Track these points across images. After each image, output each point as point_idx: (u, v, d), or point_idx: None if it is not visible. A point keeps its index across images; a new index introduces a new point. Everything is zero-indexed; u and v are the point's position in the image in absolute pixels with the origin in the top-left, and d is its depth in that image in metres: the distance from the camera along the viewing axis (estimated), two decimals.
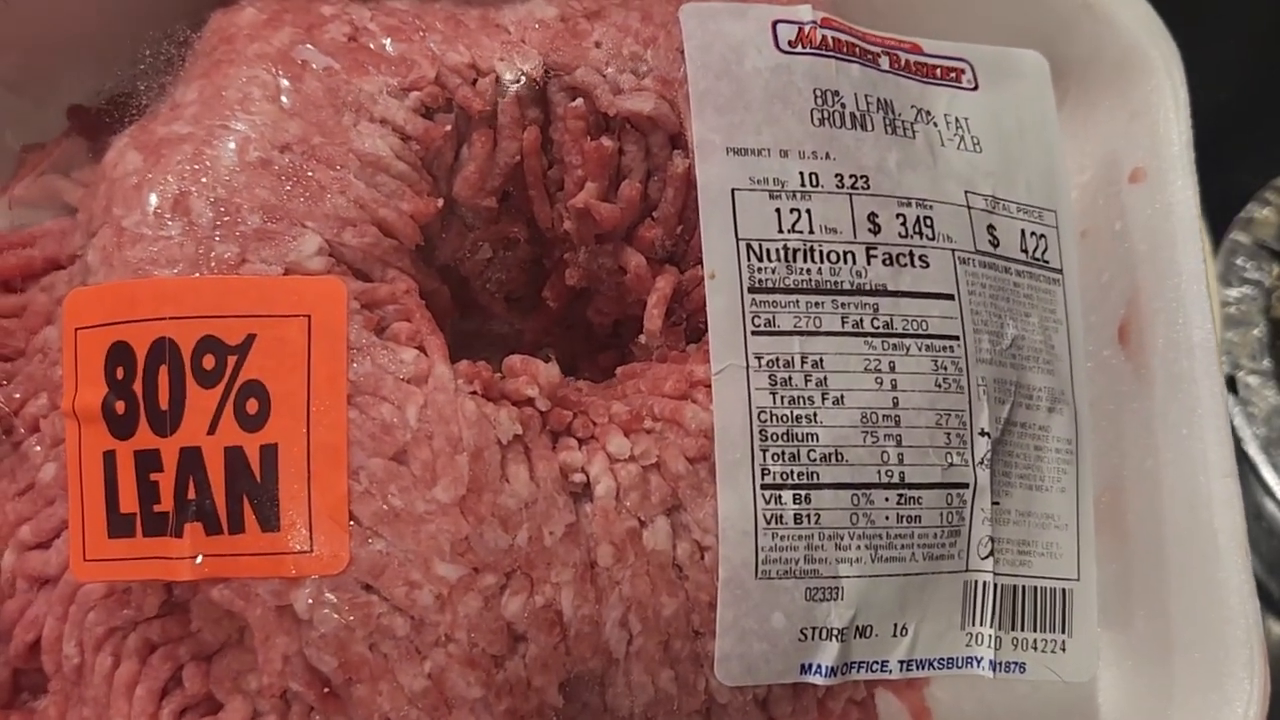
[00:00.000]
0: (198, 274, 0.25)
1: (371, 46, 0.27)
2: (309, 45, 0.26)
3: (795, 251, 0.27)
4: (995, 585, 0.28)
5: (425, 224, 0.27)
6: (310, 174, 0.25)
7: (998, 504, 0.28)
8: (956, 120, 0.30)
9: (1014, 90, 0.31)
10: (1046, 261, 0.30)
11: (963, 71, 0.31)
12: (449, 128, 0.27)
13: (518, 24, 0.27)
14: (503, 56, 0.27)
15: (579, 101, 0.27)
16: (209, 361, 0.24)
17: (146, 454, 0.24)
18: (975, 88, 0.30)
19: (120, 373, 0.25)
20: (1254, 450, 0.51)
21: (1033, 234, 0.30)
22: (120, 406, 0.25)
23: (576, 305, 0.30)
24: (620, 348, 0.31)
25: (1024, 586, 0.28)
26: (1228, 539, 0.30)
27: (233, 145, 0.25)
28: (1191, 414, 0.30)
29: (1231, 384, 0.52)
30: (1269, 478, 0.51)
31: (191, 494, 0.24)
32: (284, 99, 0.26)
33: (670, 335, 0.28)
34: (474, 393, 0.25)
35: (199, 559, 0.24)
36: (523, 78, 0.27)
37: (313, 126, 0.26)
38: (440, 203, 0.27)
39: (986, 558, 0.28)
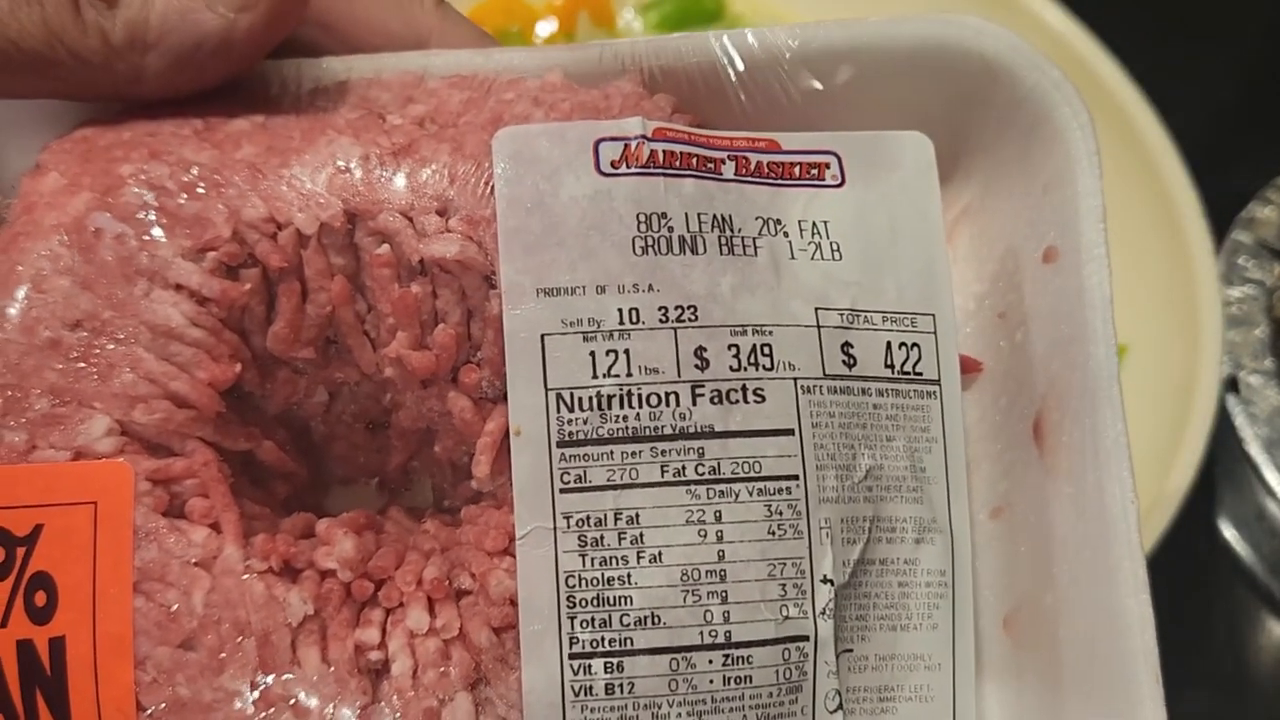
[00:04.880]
0: None
1: (168, 207, 0.26)
2: (104, 213, 0.26)
3: (610, 398, 0.25)
4: None
5: (240, 383, 0.26)
6: (100, 351, 0.25)
7: (850, 651, 0.26)
8: (813, 226, 0.28)
9: (889, 181, 0.29)
10: (919, 373, 0.28)
11: (827, 166, 0.28)
12: (249, 286, 0.26)
13: (317, 169, 0.26)
14: (301, 207, 0.26)
15: (385, 248, 0.26)
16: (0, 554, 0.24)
17: None
18: (841, 183, 0.28)
19: None
20: (1255, 450, 0.53)
21: (902, 345, 0.28)
22: None
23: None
24: None
25: None
26: (1143, 661, 0.27)
27: (24, 326, 0.25)
28: (1101, 525, 0.28)
29: (1233, 384, 0.54)
30: (1270, 478, 0.53)
31: None
32: (76, 272, 0.25)
33: None
34: (270, 569, 0.25)
35: None
36: (323, 228, 0.26)
37: (103, 300, 0.25)
38: (238, 368, 0.26)
39: (835, 711, 0.26)
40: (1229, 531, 0.56)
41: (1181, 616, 0.56)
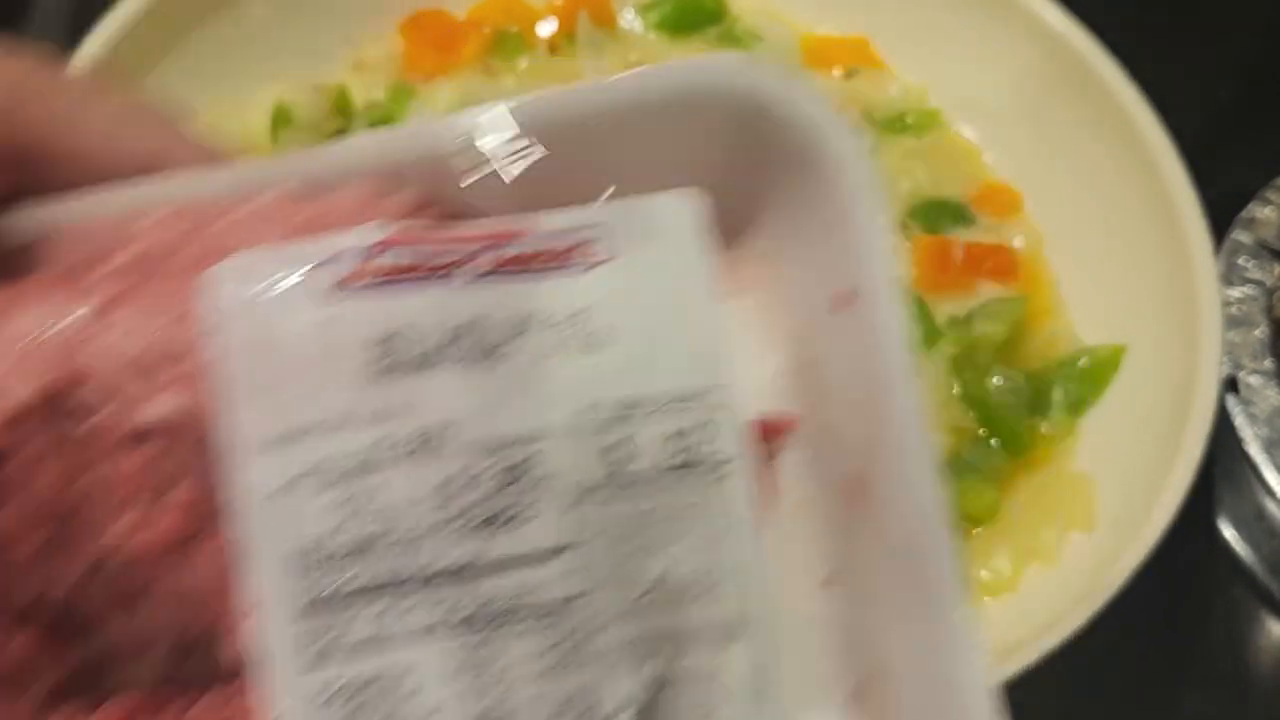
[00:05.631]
0: None
1: None
2: None
3: (359, 549, 0.23)
4: None
5: None
6: None
7: None
8: (573, 315, 0.25)
9: (656, 249, 0.26)
10: (710, 454, 0.26)
11: (590, 243, 0.26)
12: None
13: (18, 338, 0.24)
14: (3, 384, 0.24)
15: (99, 416, 0.24)
16: None
17: None
18: (605, 260, 0.26)
19: None
20: (1255, 450, 0.53)
21: (681, 431, 0.25)
22: None
23: None
24: None
25: None
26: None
27: None
28: (923, 585, 0.26)
29: (1233, 384, 0.54)
30: (1270, 478, 0.53)
31: None
32: None
33: None
34: None
35: None
36: (27, 405, 0.24)
37: None
38: None
39: None
40: (1229, 531, 0.56)
41: (1180, 617, 0.56)
